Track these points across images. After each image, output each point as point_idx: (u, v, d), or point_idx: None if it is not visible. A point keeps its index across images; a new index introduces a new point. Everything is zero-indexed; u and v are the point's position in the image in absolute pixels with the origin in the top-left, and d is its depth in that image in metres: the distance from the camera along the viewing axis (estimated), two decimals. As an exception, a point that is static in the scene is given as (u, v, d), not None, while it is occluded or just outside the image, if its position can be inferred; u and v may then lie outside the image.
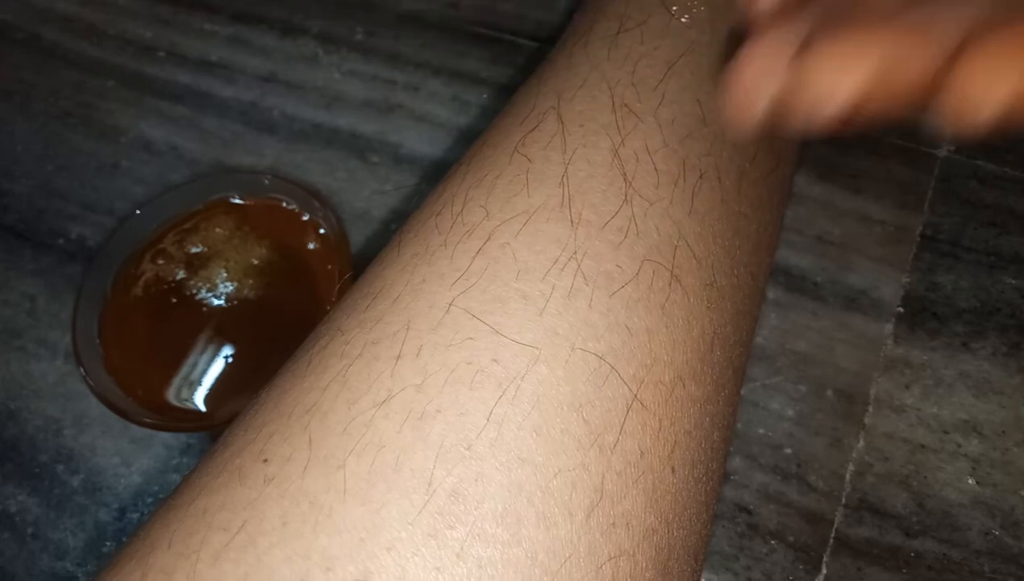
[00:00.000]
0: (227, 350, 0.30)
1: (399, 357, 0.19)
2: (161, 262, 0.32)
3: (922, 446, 0.29)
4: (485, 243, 0.20)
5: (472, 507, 0.17)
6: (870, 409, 0.30)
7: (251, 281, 0.31)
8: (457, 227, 0.21)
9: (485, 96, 0.38)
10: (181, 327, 0.31)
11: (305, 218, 0.33)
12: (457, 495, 0.17)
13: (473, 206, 0.21)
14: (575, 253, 0.20)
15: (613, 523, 0.18)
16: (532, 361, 0.19)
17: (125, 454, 0.31)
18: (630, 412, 0.19)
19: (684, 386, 0.20)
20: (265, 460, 0.18)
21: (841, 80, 0.17)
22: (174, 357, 0.30)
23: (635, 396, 0.19)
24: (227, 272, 0.31)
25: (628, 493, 0.18)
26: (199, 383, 0.30)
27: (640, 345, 0.20)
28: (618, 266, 0.20)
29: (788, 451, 0.29)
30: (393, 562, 0.17)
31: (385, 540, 0.17)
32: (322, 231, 0.32)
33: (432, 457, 0.18)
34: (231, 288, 0.31)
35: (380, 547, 0.17)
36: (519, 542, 0.17)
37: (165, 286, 0.31)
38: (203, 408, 0.29)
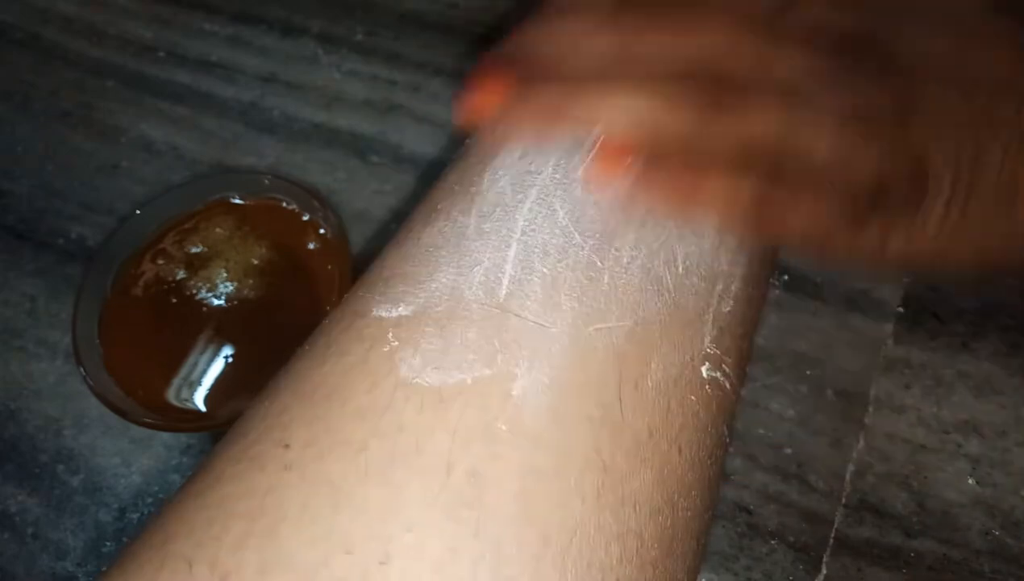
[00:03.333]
0: (227, 350, 0.30)
1: (420, 339, 0.19)
2: (161, 262, 0.32)
3: (922, 446, 0.29)
4: (504, 224, 0.20)
5: (490, 487, 0.17)
6: (870, 409, 0.30)
7: (251, 281, 0.31)
8: (476, 206, 0.21)
9: (485, 96, 0.38)
10: (181, 327, 0.31)
11: (305, 218, 0.33)
12: (475, 476, 0.17)
13: (490, 183, 0.21)
14: (595, 233, 0.20)
15: (622, 502, 0.18)
16: (550, 341, 0.19)
17: (125, 454, 0.31)
18: (639, 391, 0.19)
19: (693, 367, 0.20)
20: (286, 446, 0.18)
21: None
22: (174, 357, 0.30)
23: (645, 376, 0.19)
24: (227, 272, 0.31)
25: (636, 472, 0.19)
26: (199, 383, 0.30)
27: (651, 327, 0.20)
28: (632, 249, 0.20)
29: (788, 451, 0.29)
30: (413, 542, 0.17)
31: (405, 521, 0.17)
32: (322, 231, 0.32)
33: (451, 439, 0.18)
34: (231, 288, 0.31)
35: (400, 528, 0.17)
36: (532, 521, 0.17)
37: (165, 286, 0.31)
38: (203, 408, 0.29)
